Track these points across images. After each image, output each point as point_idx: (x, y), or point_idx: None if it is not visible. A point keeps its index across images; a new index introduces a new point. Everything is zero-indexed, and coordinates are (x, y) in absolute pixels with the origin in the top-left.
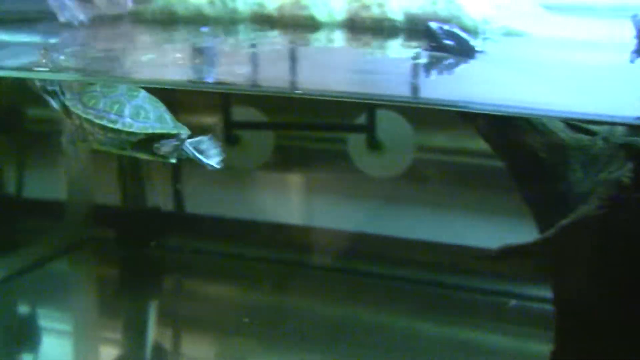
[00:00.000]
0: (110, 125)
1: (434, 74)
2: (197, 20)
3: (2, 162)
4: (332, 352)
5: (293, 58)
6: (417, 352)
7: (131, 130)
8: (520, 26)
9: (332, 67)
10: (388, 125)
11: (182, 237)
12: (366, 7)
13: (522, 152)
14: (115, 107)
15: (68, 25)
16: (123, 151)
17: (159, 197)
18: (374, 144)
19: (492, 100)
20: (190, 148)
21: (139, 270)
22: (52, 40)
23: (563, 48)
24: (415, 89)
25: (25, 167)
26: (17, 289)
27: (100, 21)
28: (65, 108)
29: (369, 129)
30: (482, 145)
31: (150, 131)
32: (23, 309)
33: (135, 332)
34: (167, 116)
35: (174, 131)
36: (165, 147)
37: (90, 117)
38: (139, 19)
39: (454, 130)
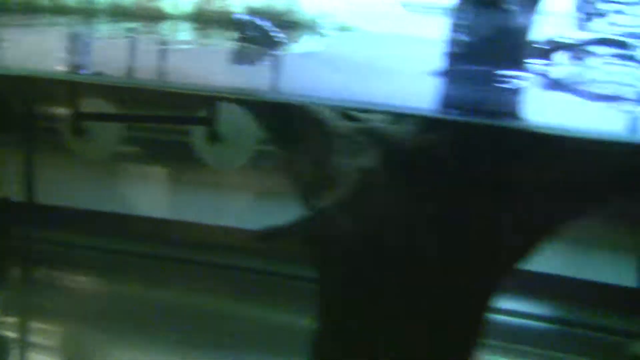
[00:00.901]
0: None
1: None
2: (57, 10)
3: None
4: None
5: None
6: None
7: None
8: (357, 23)
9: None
10: (230, 118)
11: (33, 227)
12: (209, 1)
13: (294, 139)
14: None
15: None
16: None
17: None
18: (214, 137)
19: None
20: None
21: None
22: None
23: (381, 43)
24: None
25: None
26: None
27: None
28: None
29: (209, 121)
30: None
31: None
32: None
33: None
34: None
35: None
36: None
37: None
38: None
39: None
